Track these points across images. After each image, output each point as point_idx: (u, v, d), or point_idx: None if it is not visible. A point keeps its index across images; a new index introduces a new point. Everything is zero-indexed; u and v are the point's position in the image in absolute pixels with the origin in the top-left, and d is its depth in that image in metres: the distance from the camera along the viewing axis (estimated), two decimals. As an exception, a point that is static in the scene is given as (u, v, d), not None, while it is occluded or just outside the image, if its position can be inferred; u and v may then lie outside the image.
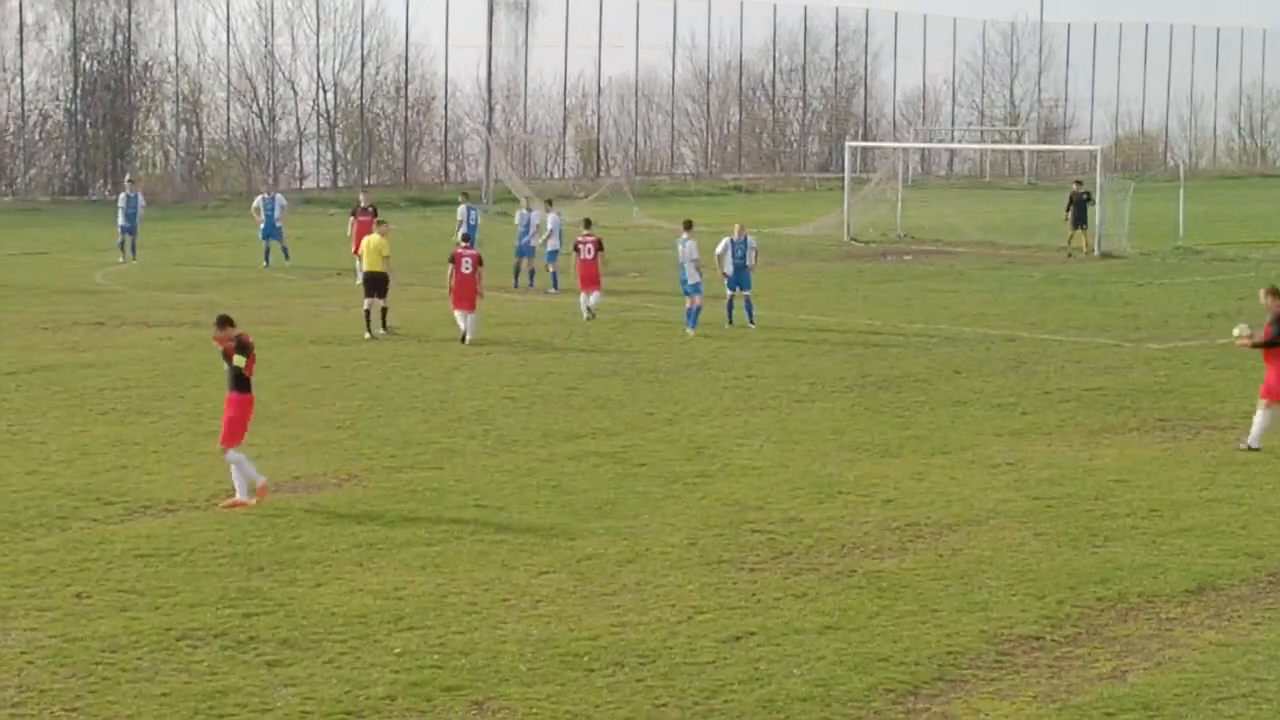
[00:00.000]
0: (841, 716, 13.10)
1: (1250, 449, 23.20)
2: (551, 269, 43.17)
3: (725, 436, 23.91)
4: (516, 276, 43.73)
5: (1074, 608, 15.84)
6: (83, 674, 13.84)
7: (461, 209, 46.80)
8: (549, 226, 43.42)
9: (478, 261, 33.79)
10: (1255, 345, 23.69)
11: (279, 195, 50.30)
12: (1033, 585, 16.55)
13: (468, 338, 33.16)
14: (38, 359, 30.68)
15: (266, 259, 48.49)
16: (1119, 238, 54.59)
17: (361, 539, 18.09)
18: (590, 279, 37.29)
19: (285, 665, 14.10)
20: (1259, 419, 23.35)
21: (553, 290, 42.49)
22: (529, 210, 44.81)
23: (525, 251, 43.86)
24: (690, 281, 34.77)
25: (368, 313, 34.23)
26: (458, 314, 33.70)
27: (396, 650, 14.45)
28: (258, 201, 49.91)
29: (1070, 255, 53.06)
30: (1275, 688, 13.73)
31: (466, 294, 33.52)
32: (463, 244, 35.14)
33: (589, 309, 37.02)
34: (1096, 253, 53.33)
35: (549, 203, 46.55)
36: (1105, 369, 30.19)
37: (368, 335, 33.84)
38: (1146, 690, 13.66)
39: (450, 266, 34.05)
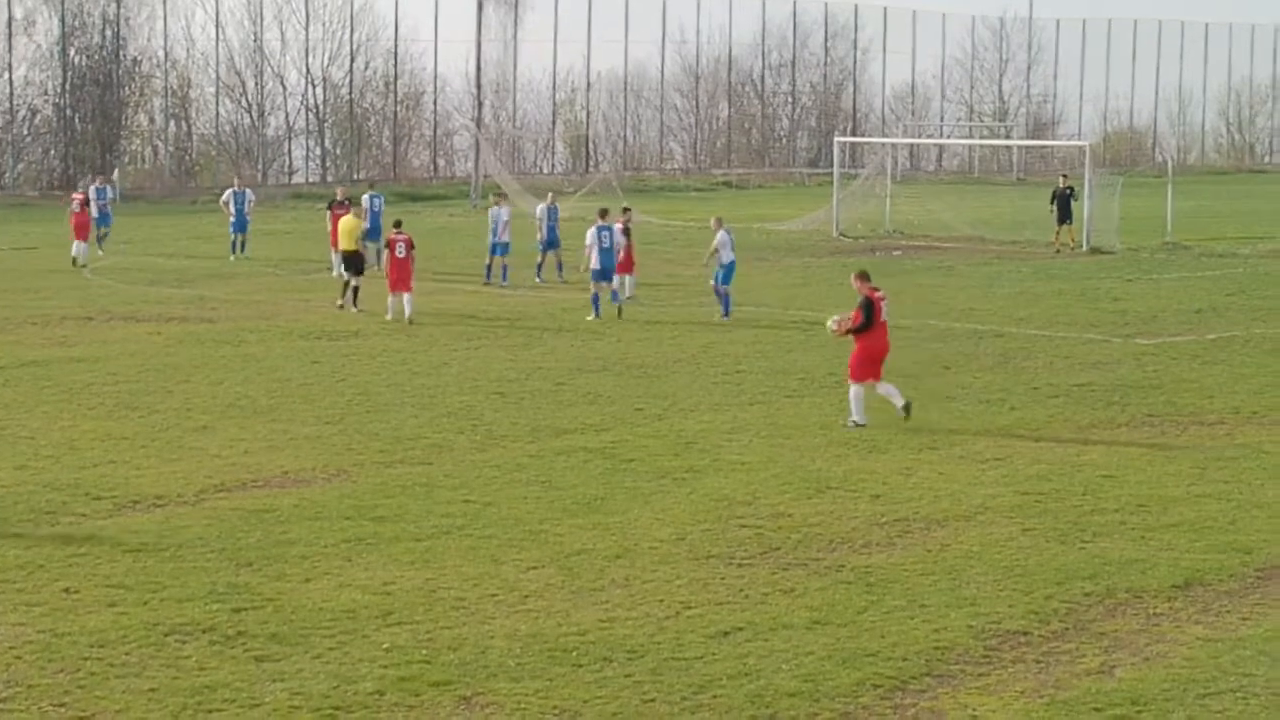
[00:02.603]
0: (829, 711, 13.11)
1: (856, 425, 24.00)
2: (504, 262, 43.09)
3: (714, 432, 23.92)
4: (539, 270, 43.50)
5: (1062, 603, 15.85)
6: (70, 669, 13.83)
7: (365, 198, 47.45)
8: (499, 219, 43.32)
9: (410, 245, 35.97)
10: (847, 332, 24.52)
11: (248, 190, 51.32)
12: (1021, 580, 16.56)
13: (407, 316, 35.08)
14: (26, 354, 30.65)
15: (234, 250, 49.69)
16: (1108, 233, 54.64)
17: (350, 534, 18.08)
18: (622, 264, 38.50)
19: (274, 660, 14.09)
20: (853, 395, 24.28)
21: (504, 283, 42.57)
22: (552, 205, 44.31)
23: (552, 245, 43.49)
24: (596, 267, 36.41)
25: (354, 287, 36.98)
26: (391, 297, 35.57)
27: (385, 645, 14.45)
28: (226, 195, 51.51)
29: (1058, 251, 53.12)
30: (1263, 683, 13.75)
31: (403, 277, 35.53)
32: (395, 230, 36.99)
33: (621, 294, 38.41)
34: (1085, 248, 53.40)
35: (503, 197, 46.82)
36: (1094, 364, 30.23)
37: (342, 304, 36.97)
38: (1134, 685, 13.67)
39: (385, 252, 36.56)
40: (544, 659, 14.15)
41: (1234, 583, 16.64)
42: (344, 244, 38.33)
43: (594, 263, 36.45)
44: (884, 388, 24.50)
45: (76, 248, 47.80)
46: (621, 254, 37.98)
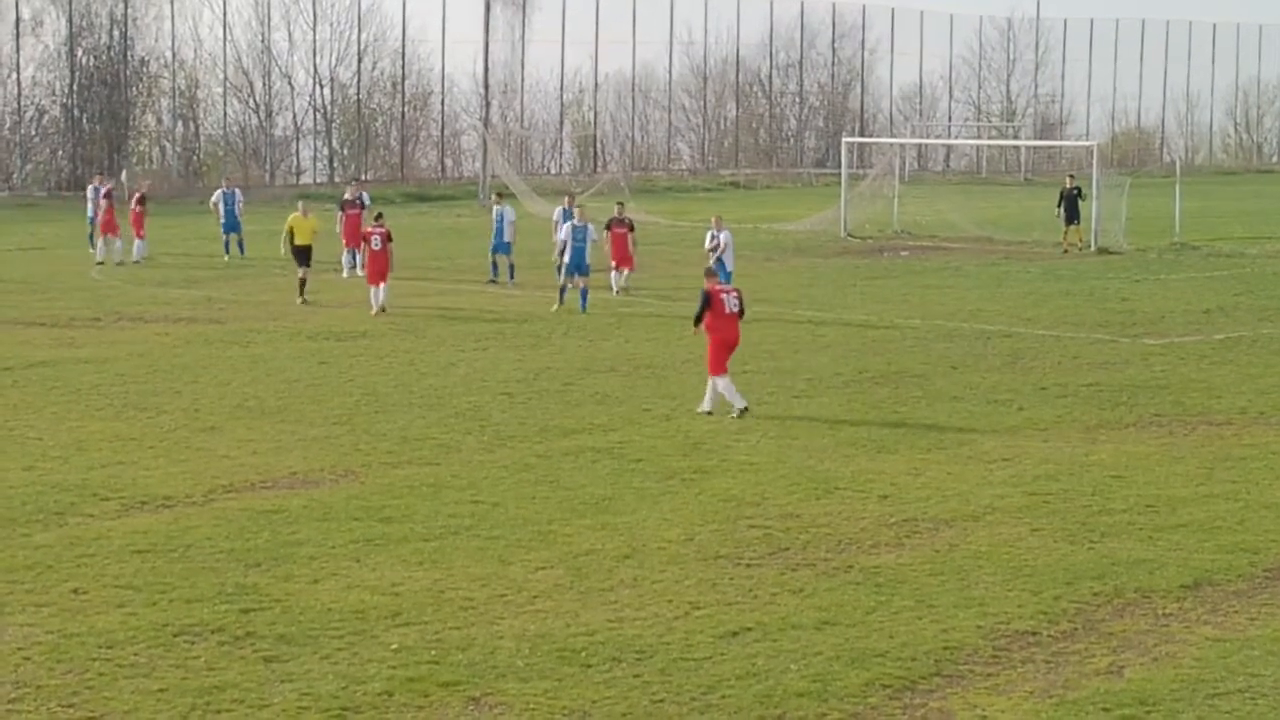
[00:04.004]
0: (838, 712, 13.11)
1: (706, 413, 25.04)
2: (510, 260, 43.44)
3: (722, 432, 23.92)
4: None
5: (1070, 603, 15.84)
6: (79, 670, 13.84)
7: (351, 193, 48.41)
8: (507, 219, 43.49)
9: (386, 238, 37.26)
10: (696, 325, 25.74)
11: (237, 190, 51.67)
12: (1029, 581, 16.55)
13: (381, 308, 36.45)
14: (34, 355, 30.68)
15: (226, 250, 50.09)
16: (1115, 234, 54.61)
17: (359, 535, 18.09)
18: (620, 258, 40.95)
19: (282, 661, 14.10)
20: (723, 387, 25.25)
21: (510, 281, 43.00)
22: (568, 208, 43.89)
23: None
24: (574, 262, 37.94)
25: (302, 279, 39.02)
26: (372, 289, 37.02)
27: (394, 646, 14.46)
28: (216, 196, 52.08)
29: (1066, 251, 53.09)
30: (1271, 683, 13.74)
31: (378, 269, 36.89)
32: (374, 223, 38.30)
33: (621, 286, 40.60)
34: (1093, 248, 53.36)
35: (500, 195, 47.10)
36: (1102, 365, 30.21)
37: (300, 300, 38.62)
38: (1143, 686, 13.66)
39: (363, 244, 38.29)
40: (553, 659, 14.15)
41: (1243, 583, 16.63)
42: (302, 238, 39.52)
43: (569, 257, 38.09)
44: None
45: (116, 245, 48.66)
46: (600, 249, 40.10)
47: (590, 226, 38.85)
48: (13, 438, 23.27)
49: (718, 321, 25.39)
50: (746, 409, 24.91)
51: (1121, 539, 18.17)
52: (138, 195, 50.06)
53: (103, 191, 49.94)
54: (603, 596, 15.97)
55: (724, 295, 25.64)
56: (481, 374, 28.87)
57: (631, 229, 41.56)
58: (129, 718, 12.87)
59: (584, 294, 37.48)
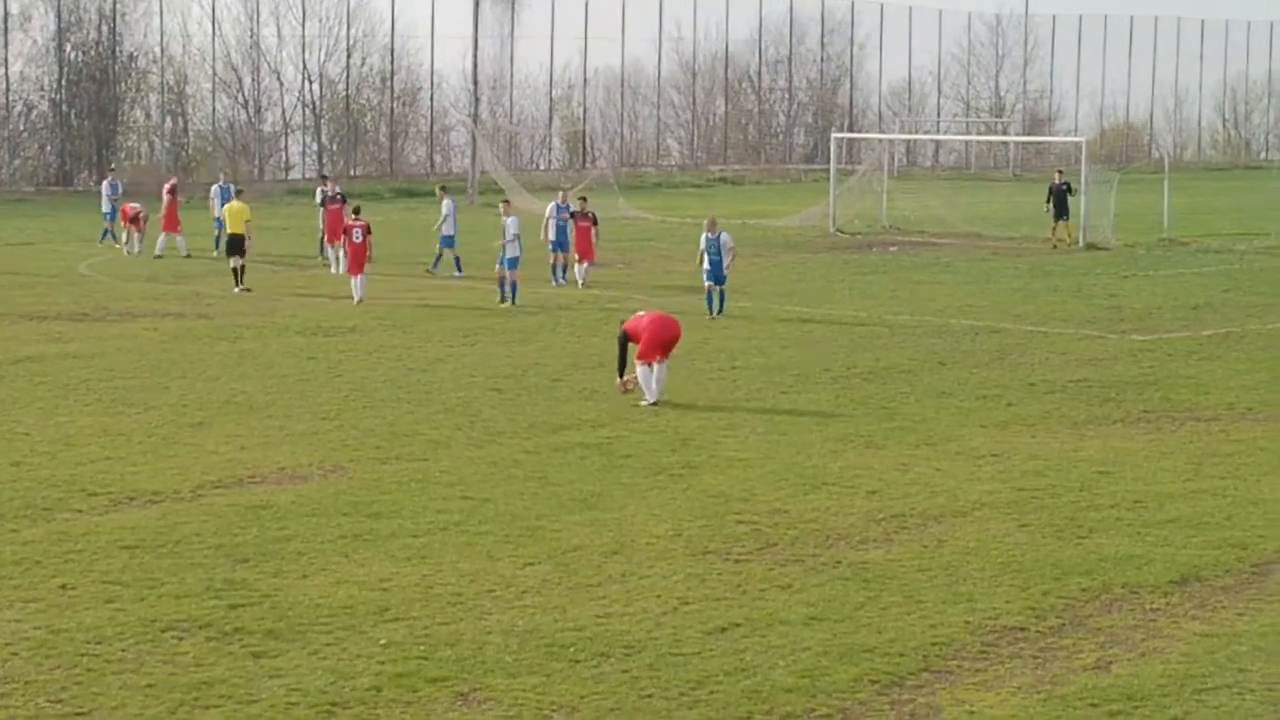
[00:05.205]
0: (826, 707, 13.11)
1: (651, 404, 25.31)
2: (438, 253, 44.19)
3: (711, 428, 23.92)
4: (555, 273, 42.49)
5: (1058, 599, 15.86)
6: (67, 665, 13.83)
7: (318, 191, 49.43)
8: (444, 213, 43.75)
9: (366, 231, 38.22)
10: (621, 375, 26.13)
11: (231, 185, 51.81)
12: (1017, 576, 16.57)
13: (358, 298, 37.43)
14: (22, 350, 30.63)
15: (217, 245, 49.71)
16: (1104, 230, 54.65)
17: (347, 530, 18.08)
18: (582, 250, 41.81)
19: (270, 656, 14.09)
20: (641, 376, 25.62)
21: (433, 270, 44.04)
22: (563, 204, 43.19)
23: (562, 246, 42.61)
24: (509, 256, 37.97)
25: (236, 270, 39.97)
26: (352, 280, 38.00)
27: (382, 641, 14.45)
28: (214, 190, 52.15)
29: (1055, 247, 53.13)
30: (1258, 678, 13.76)
31: (356, 261, 37.97)
32: (353, 217, 39.08)
33: (581, 279, 41.44)
34: (1081, 244, 53.40)
35: (443, 188, 47.14)
36: (1090, 361, 30.24)
37: (236, 289, 39.59)
38: (1131, 681, 13.68)
39: (344, 237, 39.65)
40: (541, 655, 14.15)
41: (1230, 578, 16.65)
42: (232, 227, 40.60)
43: (513, 251, 38.21)
44: (659, 369, 25.65)
45: (177, 240, 49.76)
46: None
47: (571, 205, 41.81)
48: (0, 433, 23.23)
49: (648, 326, 25.60)
50: (655, 404, 25.27)
51: (1109, 535, 18.20)
52: (169, 187, 50.55)
53: (166, 188, 50.39)
54: (591, 592, 15.98)
55: (637, 315, 26.09)
56: (470, 369, 28.86)
57: (595, 223, 42.03)
58: (117, 713, 12.87)
59: (513, 287, 37.85)
